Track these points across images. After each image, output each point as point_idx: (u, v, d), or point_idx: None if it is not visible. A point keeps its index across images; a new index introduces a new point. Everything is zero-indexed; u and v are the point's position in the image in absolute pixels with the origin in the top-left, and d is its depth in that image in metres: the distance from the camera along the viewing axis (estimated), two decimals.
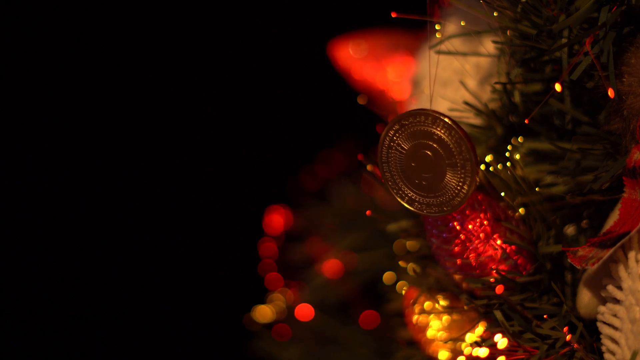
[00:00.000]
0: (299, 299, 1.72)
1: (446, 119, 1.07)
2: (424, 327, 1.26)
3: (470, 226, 1.14)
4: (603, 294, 1.08)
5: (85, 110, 2.27)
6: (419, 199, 1.11)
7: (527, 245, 1.14)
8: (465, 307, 1.17)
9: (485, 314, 1.15)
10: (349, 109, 1.59)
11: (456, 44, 1.23)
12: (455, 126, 1.07)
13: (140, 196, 2.28)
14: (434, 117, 1.08)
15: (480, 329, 1.15)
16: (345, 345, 1.67)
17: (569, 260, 1.08)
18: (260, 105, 2.30)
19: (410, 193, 1.11)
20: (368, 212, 1.40)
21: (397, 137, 1.10)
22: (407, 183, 1.11)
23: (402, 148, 1.10)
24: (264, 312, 1.74)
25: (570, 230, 1.18)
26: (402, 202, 1.12)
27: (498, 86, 1.18)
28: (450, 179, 1.09)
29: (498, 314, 1.13)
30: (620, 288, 1.06)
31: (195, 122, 2.30)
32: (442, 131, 1.08)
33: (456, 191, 1.09)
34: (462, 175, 1.08)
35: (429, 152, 1.09)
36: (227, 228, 2.26)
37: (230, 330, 1.84)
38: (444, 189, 1.10)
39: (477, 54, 1.25)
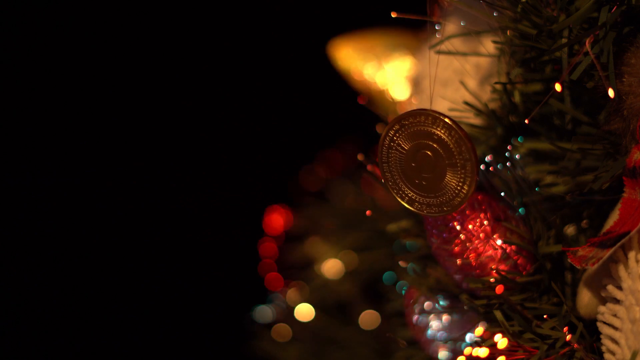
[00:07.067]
0: (299, 299, 1.72)
1: (446, 119, 1.07)
2: (424, 327, 1.26)
3: (470, 226, 1.14)
4: (603, 294, 1.08)
5: (85, 111, 2.27)
6: (419, 199, 1.11)
7: (527, 245, 1.14)
8: (465, 307, 1.17)
9: (485, 314, 1.15)
10: (349, 109, 1.59)
11: (456, 44, 1.23)
12: (455, 126, 1.07)
13: (141, 196, 2.29)
14: (434, 117, 1.08)
15: (480, 329, 1.15)
16: (345, 345, 1.67)
17: (569, 260, 1.08)
18: (260, 105, 2.30)
19: (410, 193, 1.11)
20: (368, 212, 1.40)
21: (397, 137, 1.10)
22: (407, 183, 1.11)
23: (402, 148, 1.10)
24: (264, 312, 1.74)
25: (570, 230, 1.18)
26: (402, 202, 1.12)
27: (498, 86, 1.18)
28: (451, 179, 1.09)
29: (498, 314, 1.13)
30: (620, 288, 1.06)
31: (196, 122, 2.30)
32: (442, 131, 1.08)
33: (456, 191, 1.09)
34: (462, 176, 1.08)
35: (429, 152, 1.09)
36: (227, 228, 2.26)
37: (230, 330, 1.84)
38: (444, 189, 1.09)
39: (477, 54, 1.25)
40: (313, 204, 1.74)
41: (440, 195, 1.10)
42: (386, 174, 1.12)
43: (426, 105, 1.31)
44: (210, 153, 2.31)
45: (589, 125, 1.13)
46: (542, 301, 1.15)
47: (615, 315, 1.07)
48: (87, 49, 2.25)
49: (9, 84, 2.24)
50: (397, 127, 1.10)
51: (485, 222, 1.14)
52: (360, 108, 1.55)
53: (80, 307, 2.25)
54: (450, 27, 1.28)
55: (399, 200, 1.12)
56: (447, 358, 1.24)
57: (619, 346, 1.06)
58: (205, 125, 2.30)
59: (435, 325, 1.25)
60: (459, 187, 1.09)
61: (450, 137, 1.08)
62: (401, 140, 1.10)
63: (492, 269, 1.14)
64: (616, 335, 1.07)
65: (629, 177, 1.07)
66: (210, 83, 2.29)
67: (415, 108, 1.10)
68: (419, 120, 1.09)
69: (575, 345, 1.10)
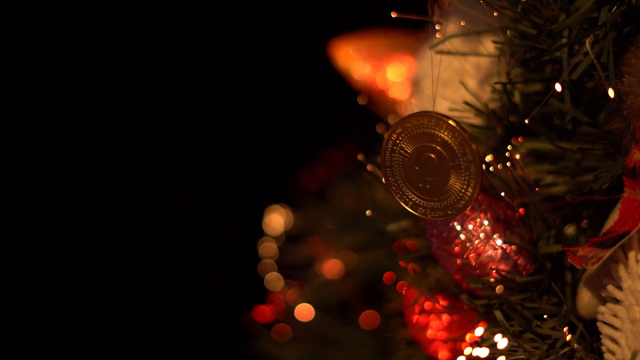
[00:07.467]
0: (299, 299, 1.72)
1: (450, 121, 1.07)
2: (424, 327, 1.26)
3: (470, 226, 1.14)
4: (603, 294, 1.08)
5: (84, 111, 2.27)
6: (423, 203, 1.10)
7: (527, 245, 1.14)
8: (465, 307, 1.17)
9: (485, 314, 1.15)
10: (349, 109, 1.59)
11: (456, 44, 1.23)
12: (459, 128, 1.06)
13: (141, 196, 2.28)
14: (437, 119, 1.07)
15: (480, 329, 1.15)
16: (345, 345, 1.67)
17: (569, 260, 1.08)
18: (260, 105, 2.30)
19: (414, 197, 1.11)
20: (368, 212, 1.40)
21: (400, 141, 1.09)
22: (411, 187, 1.10)
23: (405, 152, 1.10)
24: (264, 312, 1.74)
25: (570, 230, 1.18)
26: (406, 207, 1.11)
27: (498, 86, 1.18)
28: (455, 182, 1.08)
29: (498, 314, 1.13)
30: (620, 288, 1.06)
31: (196, 122, 2.30)
32: (445, 133, 1.07)
33: (460, 194, 1.08)
34: (467, 178, 1.08)
35: (432, 155, 1.09)
36: (227, 228, 2.26)
37: (230, 330, 1.84)
38: (448, 192, 1.09)
39: (477, 54, 1.25)
40: (313, 204, 1.74)
41: (444, 199, 1.09)
42: (389, 178, 1.11)
43: (427, 106, 1.31)
44: (210, 153, 2.31)
45: (589, 125, 1.13)
46: (542, 301, 1.15)
47: (615, 315, 1.07)
48: (87, 49, 2.25)
49: (9, 84, 2.24)
50: (399, 130, 1.09)
51: (485, 222, 1.14)
52: (360, 108, 1.55)
53: (80, 307, 2.25)
54: (450, 27, 1.28)
55: (403, 204, 1.11)
56: (447, 358, 1.24)
57: (619, 346, 1.06)
58: (205, 125, 2.30)
59: (435, 325, 1.25)
60: (463, 190, 1.08)
61: (453, 139, 1.07)
62: (404, 144, 1.09)
63: (492, 269, 1.14)
64: (616, 335, 1.07)
65: (629, 177, 1.07)
66: (210, 83, 2.29)
67: (417, 110, 1.09)
68: (422, 122, 1.08)
69: (575, 345, 1.10)
